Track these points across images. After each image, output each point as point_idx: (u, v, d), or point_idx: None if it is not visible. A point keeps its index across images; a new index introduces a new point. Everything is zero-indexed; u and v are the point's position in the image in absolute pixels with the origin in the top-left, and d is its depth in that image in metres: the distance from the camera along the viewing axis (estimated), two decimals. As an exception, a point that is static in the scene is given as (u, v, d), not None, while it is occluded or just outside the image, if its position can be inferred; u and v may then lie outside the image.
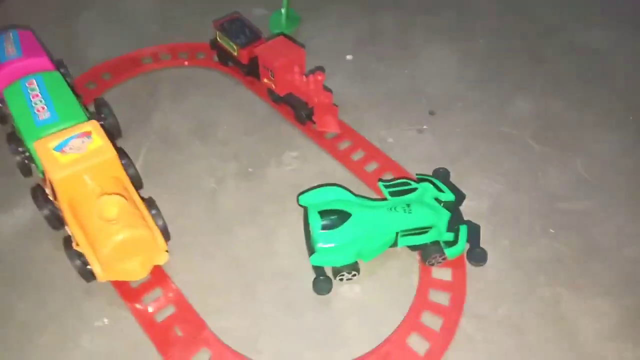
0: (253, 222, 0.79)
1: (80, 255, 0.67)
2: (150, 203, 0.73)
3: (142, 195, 0.76)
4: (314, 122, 0.90)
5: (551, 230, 0.77)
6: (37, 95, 0.77)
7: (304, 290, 0.70)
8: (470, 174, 0.85)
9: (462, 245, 0.71)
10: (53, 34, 1.11)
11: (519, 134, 0.92)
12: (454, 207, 0.76)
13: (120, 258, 0.65)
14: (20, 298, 0.71)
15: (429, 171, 0.83)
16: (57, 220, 0.74)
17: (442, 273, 0.72)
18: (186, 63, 1.07)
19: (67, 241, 0.69)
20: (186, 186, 0.84)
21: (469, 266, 0.73)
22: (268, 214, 0.80)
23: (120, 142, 0.90)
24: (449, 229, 0.72)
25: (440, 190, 0.77)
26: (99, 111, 0.87)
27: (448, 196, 0.77)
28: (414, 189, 0.75)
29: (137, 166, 0.87)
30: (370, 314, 0.69)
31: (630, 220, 0.79)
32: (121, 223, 0.63)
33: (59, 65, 0.93)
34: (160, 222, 0.72)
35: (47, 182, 0.69)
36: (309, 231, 0.71)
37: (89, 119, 0.75)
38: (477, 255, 0.72)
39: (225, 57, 1.03)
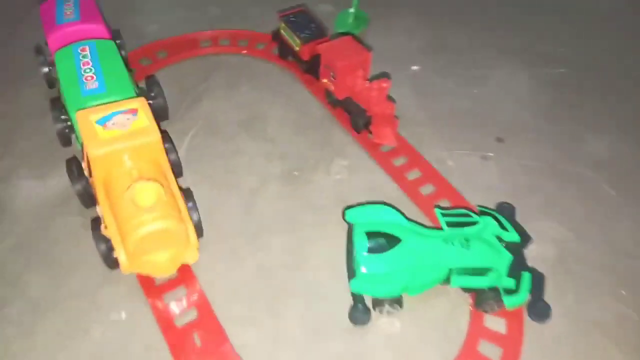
0: (290, 230, 0.73)
1: (107, 240, 0.62)
2: (187, 194, 0.68)
3: (180, 184, 0.72)
4: (370, 132, 0.84)
5: (622, 292, 0.68)
6: (87, 63, 0.73)
7: (336, 315, 0.64)
8: (536, 215, 0.76)
9: (524, 295, 0.63)
10: (114, 4, 1.09)
11: (593, 176, 0.83)
12: (518, 250, 0.68)
13: (149, 250, 0.60)
14: (37, 272, 0.67)
15: (491, 204, 0.76)
16: (89, 198, 0.70)
17: (495, 322, 0.64)
18: (245, 52, 1.02)
19: (96, 222, 0.64)
20: (226, 181, 0.79)
21: (525, 319, 0.64)
22: (307, 224, 0.74)
23: (165, 125, 0.86)
24: (510, 274, 0.64)
25: (503, 228, 0.69)
26: (150, 89, 0.83)
27: (512, 236, 0.68)
28: (475, 222, 0.68)
29: (180, 152, 0.82)
30: (407, 355, 0.61)
31: None
32: (155, 213, 0.58)
33: (115, 35, 0.90)
34: (195, 217, 0.66)
35: (85, 156, 0.65)
36: (352, 252, 0.64)
37: (138, 95, 0.71)
38: (540, 310, 0.63)
39: (285, 51, 0.97)
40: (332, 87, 0.87)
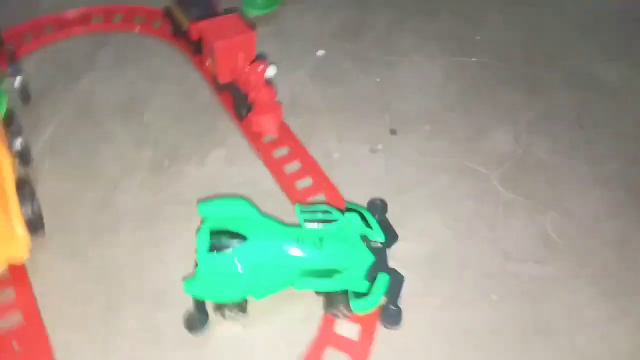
0: (147, 226, 0.67)
1: None
2: (23, 186, 0.61)
3: (30, 173, 0.65)
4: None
5: (493, 297, 0.64)
6: None
7: (179, 321, 0.58)
8: (418, 210, 0.72)
9: (376, 300, 0.58)
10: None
11: (486, 173, 0.78)
12: (380, 250, 0.63)
13: None
14: None
15: (370, 199, 0.70)
16: None
17: (348, 329, 0.59)
18: (137, 29, 0.95)
19: None
20: (87, 170, 0.73)
21: (382, 327, 0.60)
22: (167, 219, 0.68)
23: (33, 107, 0.79)
24: (369, 276, 0.59)
25: (369, 226, 0.64)
26: (9, 67, 0.76)
27: (377, 235, 0.63)
28: (335, 219, 0.62)
29: (45, 137, 0.76)
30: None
31: (594, 300, 0.64)
32: None
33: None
34: (28, 211, 0.60)
35: None
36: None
37: None
38: (390, 316, 0.59)
39: (178, 30, 0.90)
40: (215, 70, 0.80)
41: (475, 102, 0.89)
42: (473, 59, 0.97)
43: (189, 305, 0.59)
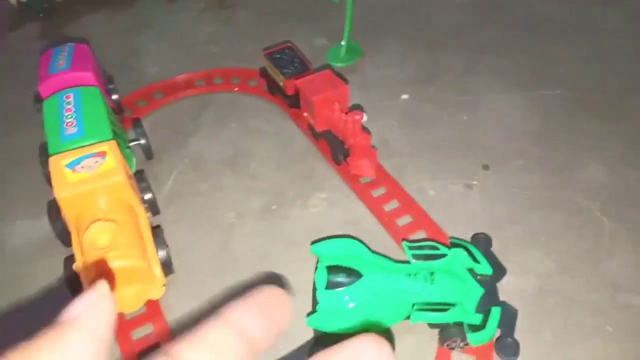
0: (262, 266, 0.73)
1: (76, 278, 0.65)
2: (157, 232, 0.69)
3: (158, 221, 0.74)
4: (349, 164, 0.83)
5: (608, 328, 0.63)
6: (70, 109, 0.77)
7: (299, 356, 0.63)
8: (519, 246, 0.73)
9: (491, 332, 0.60)
10: (118, 48, 1.15)
11: (585, 204, 0.78)
12: (489, 283, 0.65)
13: (112, 287, 0.62)
14: (19, 305, 0.70)
15: (471, 234, 0.73)
16: (67, 238, 0.73)
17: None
18: (236, 89, 1.05)
19: (68, 261, 0.67)
20: (205, 217, 0.81)
21: (496, 357, 0.61)
22: (280, 260, 0.74)
23: (153, 164, 0.89)
24: (480, 309, 0.62)
25: (475, 260, 0.66)
26: (134, 131, 0.87)
27: (485, 269, 0.66)
28: (443, 255, 0.65)
29: (165, 190, 0.85)
30: None
31: None
32: (114, 252, 0.60)
33: (109, 81, 0.95)
34: (162, 254, 0.68)
35: None
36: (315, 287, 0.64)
37: (118, 138, 0.74)
38: (506, 348, 0.60)
39: (273, 87, 0.99)
40: (312, 121, 0.87)
41: (560, 134, 0.90)
42: (555, 92, 0.99)
43: (304, 337, 0.63)
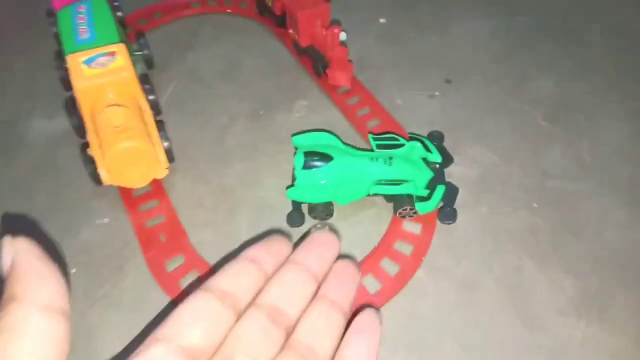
0: (250, 157, 0.86)
1: (92, 160, 0.77)
2: (160, 125, 0.81)
3: (159, 119, 0.85)
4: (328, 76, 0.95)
5: (534, 205, 0.77)
6: (82, 19, 0.87)
7: (279, 222, 0.76)
8: (468, 143, 0.86)
9: (435, 203, 0.74)
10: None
11: (530, 111, 0.91)
12: (438, 169, 0.78)
13: (123, 165, 0.74)
14: (45, 189, 0.83)
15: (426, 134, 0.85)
16: (82, 130, 0.84)
17: (412, 227, 0.75)
18: (229, 10, 1.14)
19: (84, 146, 0.79)
20: (202, 119, 0.92)
21: (440, 226, 0.75)
22: (266, 152, 0.86)
23: (154, 74, 1.00)
24: (427, 187, 0.75)
25: (428, 150, 0.79)
26: (138, 42, 0.97)
27: (435, 157, 0.79)
28: (402, 145, 0.78)
29: (166, 96, 0.96)
30: (343, 251, 0.73)
31: (620, 208, 0.76)
32: (126, 134, 0.72)
33: None
34: (165, 143, 0.80)
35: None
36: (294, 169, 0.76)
37: (122, 42, 0.85)
38: (446, 214, 0.74)
39: (262, 8, 1.09)
40: (297, 37, 0.98)
41: (520, 54, 1.02)
42: (519, 18, 1.09)
43: (285, 210, 0.76)
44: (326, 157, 0.75)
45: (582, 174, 0.81)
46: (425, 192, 0.74)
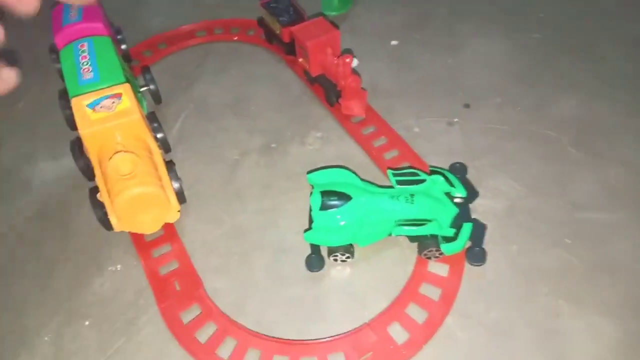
0: (264, 195, 0.82)
1: (102, 205, 0.74)
2: (169, 165, 0.78)
3: (168, 158, 0.82)
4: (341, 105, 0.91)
5: (567, 240, 0.73)
6: (85, 57, 0.84)
7: (297, 265, 0.73)
8: (492, 173, 0.82)
9: (462, 243, 0.70)
10: (121, 1, 1.21)
11: (555, 136, 0.87)
12: (463, 205, 0.74)
13: (134, 211, 0.71)
14: (52, 236, 0.80)
15: (449, 165, 0.82)
16: (90, 172, 0.81)
17: (439, 268, 0.71)
18: (235, 38, 1.11)
19: (93, 191, 0.75)
20: (211, 155, 0.89)
21: (469, 266, 0.71)
22: (280, 189, 0.83)
23: (161, 108, 0.97)
24: (453, 225, 0.71)
25: (452, 185, 0.75)
26: (144, 77, 0.94)
27: (460, 191, 0.75)
28: (423, 180, 0.74)
29: (174, 131, 0.93)
30: (357, 297, 0.70)
31: (659, 241, 0.72)
32: (135, 179, 0.69)
33: (117, 32, 1.01)
34: (176, 185, 0.77)
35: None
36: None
37: (129, 82, 0.82)
38: (474, 255, 0.70)
39: (270, 36, 1.06)
40: (307, 66, 0.94)
41: (538, 74, 0.98)
42: (535, 35, 1.05)
43: (304, 252, 0.73)
44: (344, 197, 0.71)
45: (612, 203, 0.77)
46: (451, 232, 0.70)
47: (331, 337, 0.65)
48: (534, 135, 0.87)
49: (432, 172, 0.77)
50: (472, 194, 0.76)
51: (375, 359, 0.63)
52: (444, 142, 0.87)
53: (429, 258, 0.71)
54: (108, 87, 0.78)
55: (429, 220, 0.69)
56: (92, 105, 0.74)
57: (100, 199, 0.74)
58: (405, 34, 1.09)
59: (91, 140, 0.73)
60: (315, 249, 0.72)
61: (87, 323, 0.70)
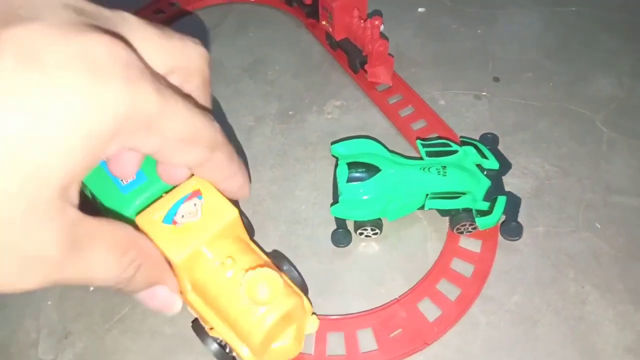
0: (280, 164, 0.79)
1: (217, 340, 0.57)
2: (279, 258, 0.59)
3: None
4: (366, 72, 0.86)
5: (597, 225, 0.69)
6: None
7: (312, 237, 0.70)
8: (521, 151, 0.78)
9: (497, 217, 0.66)
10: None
11: (589, 115, 0.82)
12: (496, 177, 0.70)
13: (275, 337, 0.52)
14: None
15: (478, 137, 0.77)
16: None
17: (471, 243, 0.67)
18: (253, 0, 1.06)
19: (198, 324, 0.57)
20: (225, 120, 0.85)
21: (500, 241, 0.67)
22: (296, 158, 0.79)
23: (175, 69, 0.93)
24: (486, 198, 0.67)
25: (484, 156, 0.71)
26: None
27: (492, 164, 0.71)
28: (455, 152, 0.70)
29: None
30: (384, 272, 0.66)
31: (697, 230, 0.68)
32: (272, 303, 0.49)
33: None
34: (296, 275, 0.57)
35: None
36: (336, 182, 0.69)
37: None
38: (511, 229, 0.66)
39: (290, -3, 1.01)
40: (330, 29, 0.89)
41: (575, 49, 0.92)
42: (572, 9, 0.99)
43: (319, 224, 0.70)
44: (373, 169, 0.67)
45: (650, 189, 0.73)
46: (485, 205, 0.66)
47: (359, 312, 0.63)
48: (567, 113, 0.82)
49: (463, 143, 0.73)
50: (504, 165, 0.72)
51: (404, 336, 0.60)
52: (471, 117, 0.83)
53: (462, 233, 0.67)
54: (164, 184, 0.51)
55: (463, 193, 0.66)
56: (170, 219, 0.50)
57: (213, 334, 0.56)
58: (434, 1, 1.03)
59: (186, 266, 0.49)
60: (341, 222, 0.69)
61: (91, 288, 0.68)
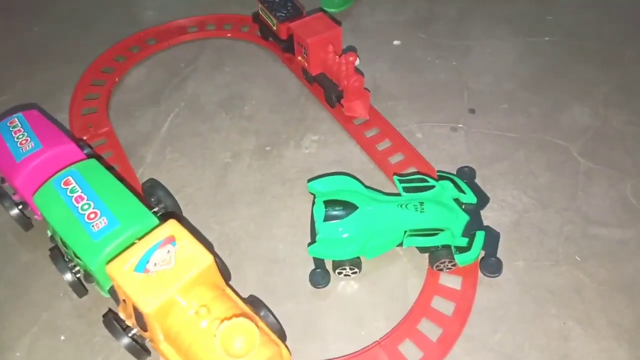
0: (257, 201, 0.77)
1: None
2: (255, 303, 0.60)
3: (156, 160, 0.77)
4: (343, 106, 0.86)
5: (577, 258, 0.69)
6: (81, 198, 0.59)
7: (290, 277, 0.68)
8: (499, 183, 0.77)
9: (476, 253, 0.65)
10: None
11: (565, 145, 0.82)
12: (474, 211, 0.70)
13: None
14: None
15: (455, 171, 0.77)
16: (143, 350, 0.60)
17: (451, 280, 0.66)
18: (229, 35, 1.06)
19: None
20: (202, 156, 0.84)
21: (480, 277, 0.66)
22: (274, 195, 0.78)
23: (150, 105, 0.92)
24: (465, 234, 0.66)
25: (461, 190, 0.71)
26: (151, 194, 0.71)
27: (469, 198, 0.70)
28: (432, 187, 0.70)
29: (163, 130, 0.88)
30: (364, 313, 0.65)
31: (677, 260, 0.68)
32: (247, 355, 0.49)
33: (79, 144, 0.71)
34: (273, 322, 0.59)
35: (130, 308, 0.54)
36: (314, 220, 0.68)
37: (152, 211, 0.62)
38: (490, 266, 0.66)
39: (266, 32, 1.01)
40: (306, 64, 0.89)
41: (549, 79, 0.93)
42: (546, 39, 1.01)
43: (298, 264, 0.68)
44: (350, 206, 0.66)
45: (628, 219, 0.73)
46: (464, 242, 0.65)
47: (340, 357, 0.61)
48: (543, 143, 0.83)
49: (440, 178, 0.73)
50: (482, 199, 0.72)
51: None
52: (448, 149, 0.83)
53: (441, 270, 0.66)
54: (140, 230, 0.56)
55: (441, 230, 0.65)
56: (142, 267, 0.52)
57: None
58: (410, 34, 1.04)
59: (158, 316, 0.51)
60: (319, 262, 0.67)
61: (62, 338, 0.65)
